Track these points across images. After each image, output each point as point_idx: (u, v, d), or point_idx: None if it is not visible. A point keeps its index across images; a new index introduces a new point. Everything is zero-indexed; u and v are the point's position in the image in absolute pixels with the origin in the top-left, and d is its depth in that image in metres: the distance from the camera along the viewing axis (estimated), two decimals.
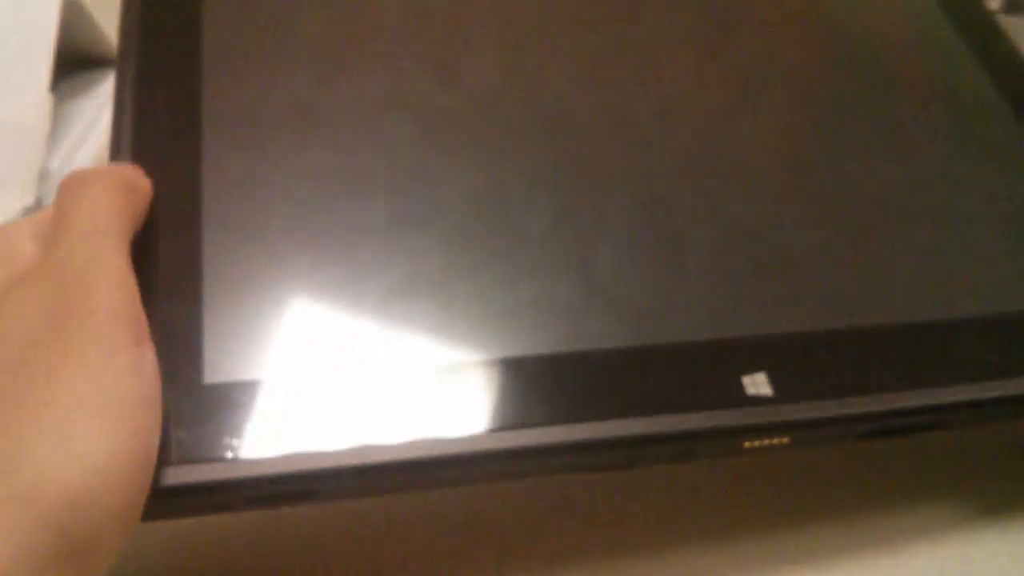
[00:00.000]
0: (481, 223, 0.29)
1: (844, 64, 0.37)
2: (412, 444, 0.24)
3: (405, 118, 0.31)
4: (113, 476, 0.20)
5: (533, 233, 0.29)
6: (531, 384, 0.25)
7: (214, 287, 0.25)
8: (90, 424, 0.20)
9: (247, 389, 0.24)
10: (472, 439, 0.24)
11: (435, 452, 0.24)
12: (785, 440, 0.27)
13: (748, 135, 0.33)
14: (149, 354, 0.22)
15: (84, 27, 0.47)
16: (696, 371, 0.27)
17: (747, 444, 0.27)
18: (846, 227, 0.32)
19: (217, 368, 0.24)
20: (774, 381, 0.27)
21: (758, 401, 0.26)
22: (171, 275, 0.25)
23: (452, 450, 0.24)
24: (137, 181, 0.26)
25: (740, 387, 0.27)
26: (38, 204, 0.39)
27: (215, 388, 0.24)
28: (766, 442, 0.27)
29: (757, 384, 0.27)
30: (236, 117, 0.29)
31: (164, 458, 0.22)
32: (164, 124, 0.28)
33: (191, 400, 0.23)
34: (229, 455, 0.23)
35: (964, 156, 0.35)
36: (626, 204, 0.30)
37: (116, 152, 0.28)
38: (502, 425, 0.24)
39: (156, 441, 0.21)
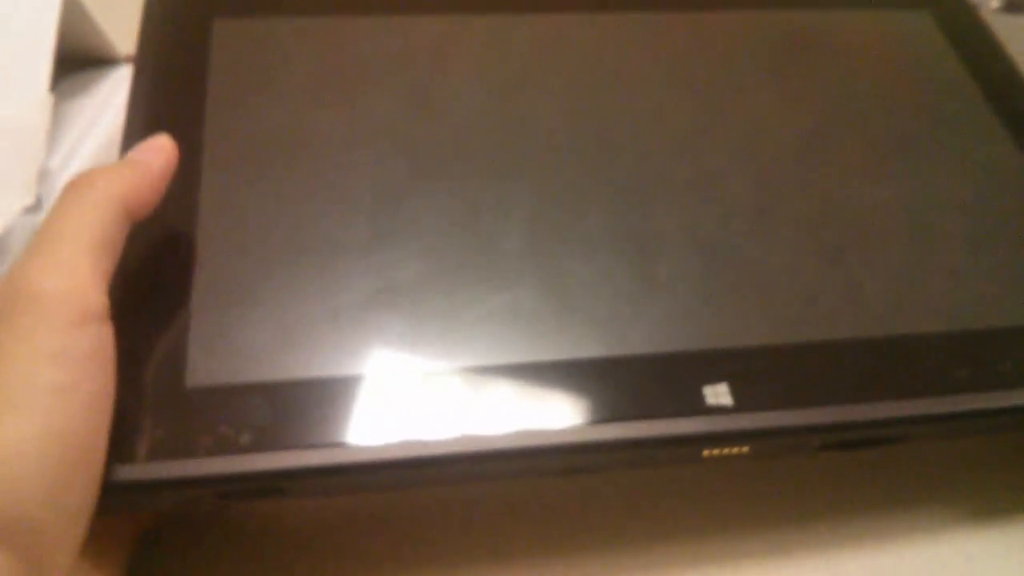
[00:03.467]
0: (456, 241, 0.30)
1: (822, 86, 0.38)
2: (385, 446, 0.25)
3: (387, 145, 0.32)
4: (28, 461, 0.21)
5: (505, 250, 0.30)
6: (500, 392, 0.27)
7: (202, 298, 0.27)
8: None
9: (227, 392, 0.25)
10: (440, 443, 0.26)
11: (411, 454, 0.25)
12: (744, 449, 0.28)
13: (712, 155, 0.35)
14: (88, 335, 0.23)
15: (84, 27, 0.46)
16: (659, 381, 0.28)
17: (705, 452, 0.28)
18: (807, 245, 0.33)
19: (199, 372, 0.26)
20: (735, 392, 0.28)
21: (718, 410, 0.28)
22: (163, 286, 0.26)
23: (423, 452, 0.25)
24: (141, 178, 0.27)
25: (701, 397, 0.28)
26: (38, 204, 0.40)
27: (196, 391, 0.25)
28: (725, 451, 0.28)
29: (718, 394, 0.28)
30: (234, 141, 0.31)
31: (142, 453, 0.24)
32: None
33: (173, 401, 0.25)
34: (204, 452, 0.24)
35: (942, 173, 0.36)
36: (596, 222, 0.32)
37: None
38: (470, 430, 0.26)
39: (94, 424, 0.22)
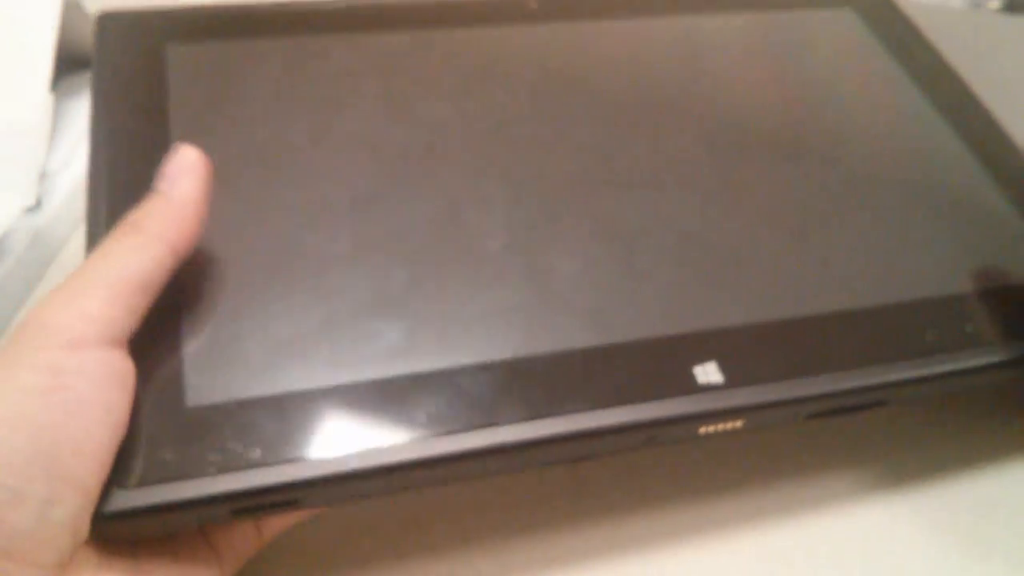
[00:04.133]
0: (439, 244, 0.31)
1: (774, 75, 0.40)
2: (393, 449, 0.25)
3: (357, 156, 0.33)
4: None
5: (489, 250, 0.31)
6: (504, 387, 0.27)
7: (193, 318, 0.27)
8: None
9: (231, 408, 0.26)
10: (452, 441, 0.26)
11: (435, 452, 0.26)
12: (738, 424, 0.29)
13: (676, 148, 0.35)
14: (87, 357, 0.23)
15: (84, 27, 0.47)
16: (651, 365, 0.29)
17: (702, 430, 0.29)
18: (782, 226, 0.33)
19: (199, 391, 0.26)
20: (724, 369, 0.28)
21: (710, 389, 0.28)
22: (152, 309, 0.26)
23: (432, 452, 0.26)
24: (181, 215, 0.27)
25: (692, 377, 0.28)
26: (38, 204, 0.40)
27: (199, 410, 0.25)
28: (720, 427, 0.29)
29: (708, 373, 0.28)
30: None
31: (153, 477, 0.24)
32: (138, 180, 0.30)
33: (176, 422, 0.25)
34: (213, 470, 0.24)
35: (890, 153, 0.37)
36: (573, 218, 0.32)
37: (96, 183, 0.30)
38: (480, 426, 0.26)
39: (80, 430, 0.23)
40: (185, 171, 0.28)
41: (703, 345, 0.29)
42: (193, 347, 0.27)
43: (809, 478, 0.34)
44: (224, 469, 0.24)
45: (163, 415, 0.25)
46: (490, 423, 0.26)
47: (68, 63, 0.46)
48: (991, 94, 0.46)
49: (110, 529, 0.24)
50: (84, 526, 0.23)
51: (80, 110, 0.46)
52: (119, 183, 0.30)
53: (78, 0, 0.47)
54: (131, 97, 0.33)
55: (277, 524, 0.29)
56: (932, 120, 0.39)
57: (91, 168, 0.31)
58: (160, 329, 0.27)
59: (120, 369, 0.24)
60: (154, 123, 0.32)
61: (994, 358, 0.31)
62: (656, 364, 0.29)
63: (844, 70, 0.41)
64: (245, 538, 0.28)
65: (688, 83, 0.38)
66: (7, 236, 0.38)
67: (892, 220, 0.35)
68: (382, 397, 0.26)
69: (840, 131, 0.38)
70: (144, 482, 0.24)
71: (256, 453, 0.25)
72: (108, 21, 0.35)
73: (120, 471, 0.24)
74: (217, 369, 0.26)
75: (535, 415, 0.27)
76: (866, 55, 0.42)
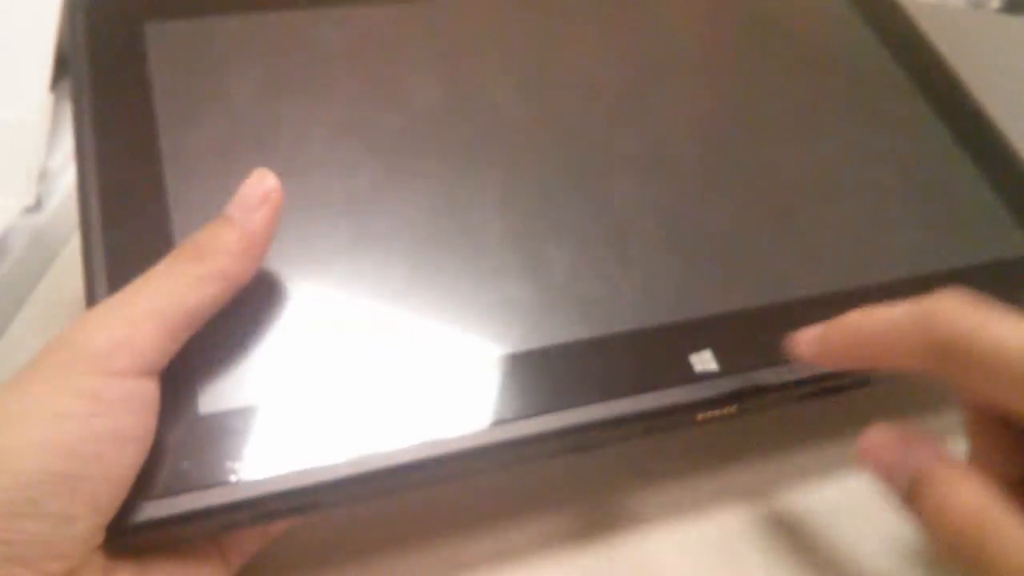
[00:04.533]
0: (439, 238, 0.31)
1: (758, 59, 0.40)
2: (405, 450, 0.26)
3: (360, 144, 0.32)
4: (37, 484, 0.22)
5: (487, 244, 0.31)
6: (503, 382, 0.27)
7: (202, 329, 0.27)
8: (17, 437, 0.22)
9: (244, 415, 0.26)
10: (463, 437, 0.26)
11: (445, 450, 0.26)
12: (733, 410, 0.29)
13: (675, 128, 0.36)
14: (117, 384, 0.23)
15: None
16: (648, 355, 0.29)
17: (700, 416, 0.29)
18: (770, 212, 0.34)
19: (211, 398, 0.26)
20: (719, 357, 0.29)
21: (706, 376, 0.28)
22: None
23: (446, 449, 0.26)
24: (246, 247, 0.26)
25: (689, 365, 0.28)
26: (38, 204, 0.41)
27: (212, 417, 0.26)
28: (716, 413, 0.29)
29: (704, 361, 0.29)
30: (194, 149, 0.31)
31: (174, 487, 0.24)
32: (128, 166, 0.30)
33: (191, 431, 0.25)
34: (234, 478, 0.24)
35: (874, 138, 0.37)
36: (565, 210, 0.32)
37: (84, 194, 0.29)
38: (489, 421, 0.26)
39: (101, 454, 0.22)
40: (261, 200, 0.26)
41: (698, 333, 0.29)
42: (203, 354, 0.26)
43: (794, 453, 0.34)
44: (245, 475, 0.24)
45: (178, 424, 0.25)
46: (500, 419, 0.26)
47: (68, 63, 0.46)
48: (991, 94, 0.46)
49: (135, 539, 0.24)
50: (97, 539, 0.23)
51: None
52: (108, 175, 0.30)
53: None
54: (112, 81, 0.32)
55: (284, 521, 0.29)
56: (913, 101, 0.40)
57: (78, 161, 0.30)
58: None
59: (153, 398, 0.24)
60: (138, 107, 0.31)
61: None
62: (653, 354, 0.29)
63: (830, 49, 0.41)
64: (252, 537, 0.28)
65: (678, 69, 0.38)
66: (7, 236, 0.39)
67: (877, 205, 0.35)
68: (394, 397, 0.27)
69: (828, 115, 0.38)
70: (168, 492, 0.24)
71: (275, 458, 0.25)
72: (81, 3, 0.34)
73: (143, 483, 0.24)
74: (228, 375, 0.26)
75: (536, 411, 0.27)
76: (851, 35, 0.42)
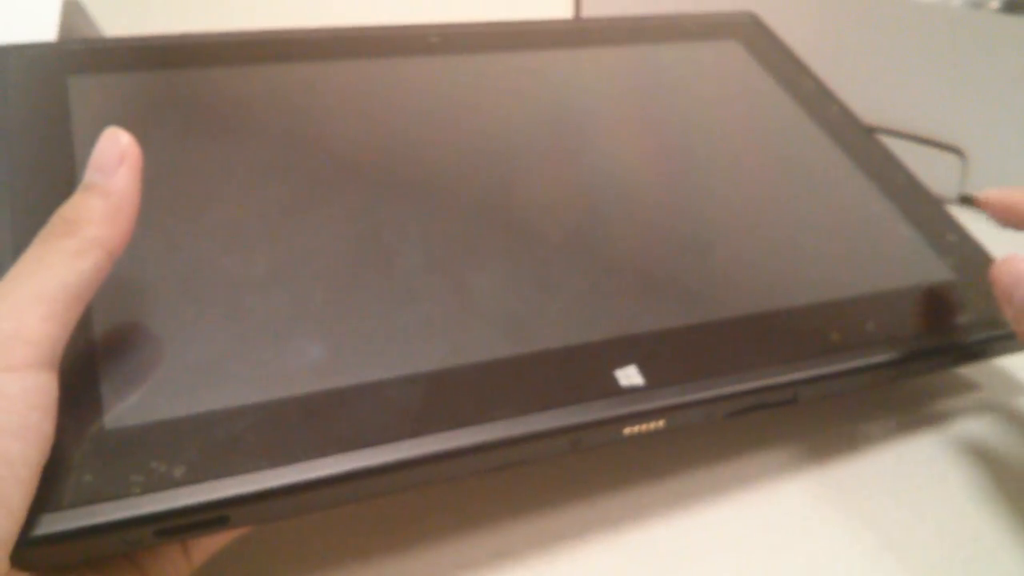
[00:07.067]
0: (355, 262, 0.31)
1: (674, 103, 0.43)
2: (319, 464, 0.26)
3: (280, 186, 0.33)
4: None
5: (403, 269, 0.32)
6: (424, 398, 0.28)
7: (107, 341, 0.27)
8: None
9: (152, 429, 0.26)
10: (381, 452, 0.26)
11: (362, 464, 0.26)
12: (660, 424, 0.30)
13: (599, 169, 0.38)
14: (17, 379, 0.22)
15: (84, 27, 0.47)
16: (573, 370, 0.30)
17: (627, 431, 0.30)
18: (689, 240, 0.36)
19: (118, 413, 0.26)
20: (644, 372, 0.30)
21: (632, 391, 0.29)
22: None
23: (357, 465, 0.26)
24: (116, 211, 0.25)
25: (614, 380, 0.29)
26: None
27: (118, 431, 0.25)
28: (643, 427, 0.30)
29: (629, 376, 0.30)
30: None
31: (73, 500, 0.24)
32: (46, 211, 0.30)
33: (96, 445, 0.25)
34: (139, 490, 0.24)
35: (788, 170, 0.41)
36: (485, 234, 0.33)
37: None
38: (406, 437, 0.27)
39: (10, 460, 0.22)
40: (119, 160, 0.26)
41: (622, 350, 0.30)
42: (110, 368, 0.27)
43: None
44: (148, 489, 0.24)
45: (83, 437, 0.25)
46: (414, 434, 0.27)
47: None
48: (991, 94, 0.48)
49: (37, 555, 0.24)
50: (9, 548, 0.23)
51: None
52: (23, 223, 0.30)
53: (78, 0, 0.47)
54: (34, 131, 0.33)
55: (205, 547, 0.28)
56: (814, 138, 0.43)
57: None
58: (75, 350, 0.26)
59: (52, 391, 0.24)
60: (59, 157, 0.32)
61: (893, 355, 0.33)
62: (578, 370, 0.30)
63: (733, 92, 0.44)
64: (174, 563, 0.28)
65: (585, 112, 0.40)
66: None
67: (791, 231, 0.37)
68: (305, 412, 0.27)
69: (743, 149, 0.40)
70: (69, 504, 0.24)
71: (180, 472, 0.25)
72: (5, 56, 0.35)
73: (43, 495, 0.23)
74: (135, 391, 0.26)
75: (460, 424, 0.27)
76: (752, 80, 0.46)
